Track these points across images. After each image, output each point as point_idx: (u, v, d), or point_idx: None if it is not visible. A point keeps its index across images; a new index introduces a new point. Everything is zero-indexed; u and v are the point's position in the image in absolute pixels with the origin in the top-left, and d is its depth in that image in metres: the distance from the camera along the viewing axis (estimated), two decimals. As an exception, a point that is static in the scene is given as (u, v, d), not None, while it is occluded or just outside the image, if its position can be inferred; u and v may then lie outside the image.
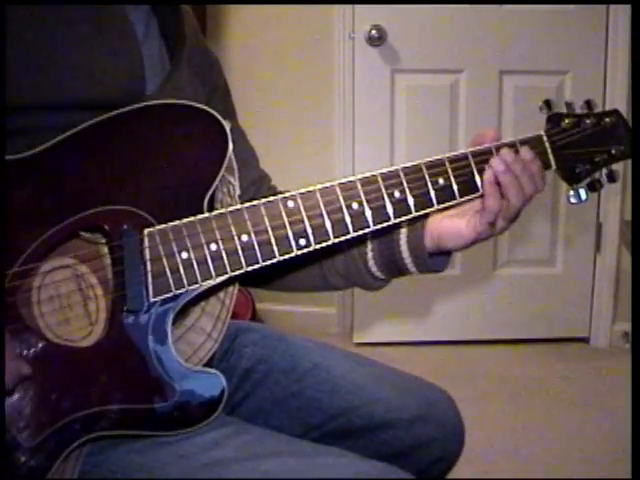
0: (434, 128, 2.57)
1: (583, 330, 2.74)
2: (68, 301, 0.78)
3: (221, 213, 0.79)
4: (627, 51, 2.48)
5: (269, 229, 0.80)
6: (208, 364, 0.87)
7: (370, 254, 0.95)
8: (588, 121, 0.93)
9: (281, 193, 0.82)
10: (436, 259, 0.94)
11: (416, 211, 0.86)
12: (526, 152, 0.89)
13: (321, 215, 0.81)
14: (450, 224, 0.90)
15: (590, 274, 2.71)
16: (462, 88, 2.58)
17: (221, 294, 0.88)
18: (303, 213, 0.81)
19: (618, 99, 2.51)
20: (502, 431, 2.12)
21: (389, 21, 2.48)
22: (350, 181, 0.83)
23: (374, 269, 0.96)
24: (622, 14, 2.47)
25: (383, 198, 0.84)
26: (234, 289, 0.88)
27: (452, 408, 1.06)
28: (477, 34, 2.52)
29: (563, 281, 2.72)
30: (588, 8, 2.50)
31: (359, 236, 0.85)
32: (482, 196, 0.89)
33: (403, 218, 0.85)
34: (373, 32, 2.47)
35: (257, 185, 1.05)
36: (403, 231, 0.93)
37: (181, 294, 0.79)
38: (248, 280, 1.00)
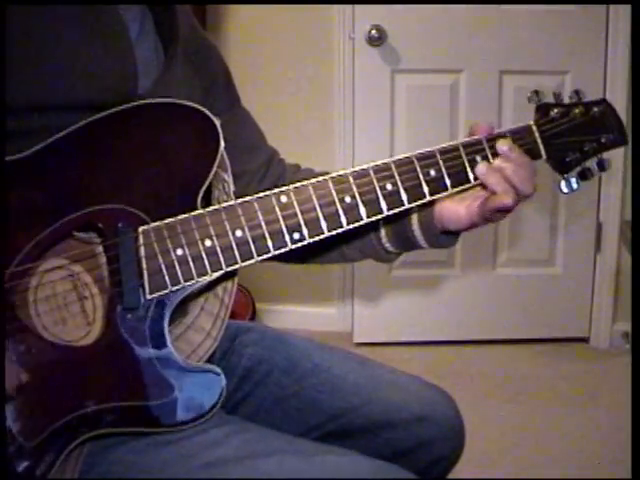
0: (434, 128, 2.57)
1: (583, 330, 2.74)
2: (64, 300, 0.78)
3: (215, 209, 0.79)
4: (627, 51, 2.48)
5: (263, 224, 0.80)
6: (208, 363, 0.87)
7: (383, 232, 0.97)
8: (577, 110, 0.93)
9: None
10: (446, 236, 0.95)
11: (409, 203, 0.86)
12: (503, 144, 0.89)
13: (314, 209, 0.82)
14: (450, 207, 0.91)
15: (590, 274, 2.71)
16: (462, 88, 2.57)
17: (220, 292, 0.88)
18: (296, 207, 0.81)
19: (618, 99, 2.50)
20: (502, 431, 2.12)
21: (389, 21, 2.48)
22: (342, 175, 0.84)
23: (388, 245, 0.97)
24: (622, 14, 2.47)
25: (375, 191, 0.84)
26: (233, 287, 0.88)
27: (452, 408, 1.05)
28: (477, 34, 2.52)
29: (563, 281, 2.72)
30: (588, 8, 2.50)
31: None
32: (482, 185, 0.89)
33: (396, 210, 0.86)
34: (373, 32, 2.46)
35: (267, 165, 1.05)
36: (414, 210, 0.93)
37: (177, 291, 0.79)
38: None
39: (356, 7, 2.49)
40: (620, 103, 2.48)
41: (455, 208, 0.91)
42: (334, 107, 2.63)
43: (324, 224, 0.82)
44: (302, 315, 2.80)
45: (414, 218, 0.94)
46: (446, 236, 0.95)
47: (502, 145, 0.89)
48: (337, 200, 0.83)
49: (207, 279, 0.79)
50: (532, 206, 2.57)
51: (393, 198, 0.85)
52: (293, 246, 0.81)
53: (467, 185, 0.89)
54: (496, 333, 2.72)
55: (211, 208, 0.79)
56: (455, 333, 2.72)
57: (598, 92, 2.53)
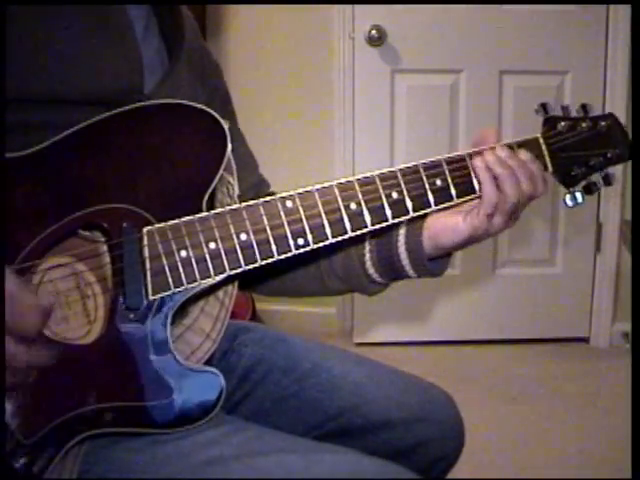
0: (434, 128, 2.57)
1: (583, 330, 2.74)
2: (66, 299, 0.78)
3: (220, 212, 0.79)
4: (627, 51, 2.48)
5: (267, 228, 0.80)
6: (207, 364, 0.87)
7: (368, 255, 0.94)
8: (584, 124, 0.93)
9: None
10: (435, 262, 0.94)
11: (414, 212, 0.86)
12: (524, 153, 0.89)
13: (319, 215, 0.82)
14: (445, 220, 0.90)
15: (590, 274, 2.71)
16: (462, 88, 2.58)
17: (220, 294, 0.88)
18: (301, 213, 0.81)
19: (618, 99, 2.51)
20: (502, 431, 2.12)
21: (389, 21, 2.48)
22: (348, 181, 0.83)
23: (371, 271, 0.95)
24: (622, 14, 2.47)
25: (381, 199, 0.84)
26: (233, 289, 0.88)
27: (452, 408, 1.05)
28: (477, 34, 2.52)
29: (563, 281, 2.72)
30: (588, 8, 2.50)
31: (357, 237, 0.85)
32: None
33: (401, 219, 0.86)
34: (373, 32, 2.47)
35: (256, 189, 1.05)
36: (401, 233, 0.92)
37: (180, 292, 0.79)
38: (247, 284, 1.00)
39: (356, 7, 2.49)
40: (620, 103, 2.49)
41: (452, 220, 0.89)
42: (334, 107, 2.63)
43: (329, 230, 0.82)
44: (302, 315, 2.80)
45: (400, 241, 0.92)
46: (435, 262, 0.93)
47: (500, 152, 0.88)
48: (342, 207, 0.82)
49: (210, 282, 0.79)
50: (532, 206, 2.57)
51: (398, 206, 0.85)
52: (297, 251, 0.81)
53: (473, 195, 0.88)
54: (496, 333, 2.72)
55: (216, 211, 0.79)
56: (455, 333, 2.73)
57: (598, 92, 2.53)
